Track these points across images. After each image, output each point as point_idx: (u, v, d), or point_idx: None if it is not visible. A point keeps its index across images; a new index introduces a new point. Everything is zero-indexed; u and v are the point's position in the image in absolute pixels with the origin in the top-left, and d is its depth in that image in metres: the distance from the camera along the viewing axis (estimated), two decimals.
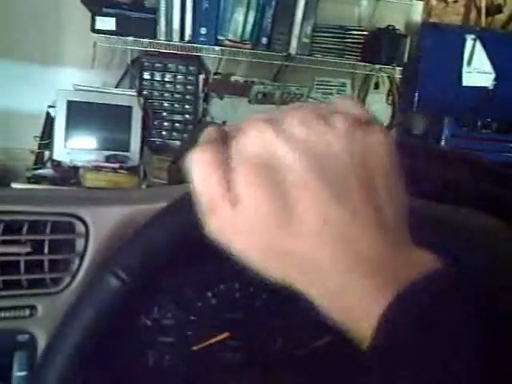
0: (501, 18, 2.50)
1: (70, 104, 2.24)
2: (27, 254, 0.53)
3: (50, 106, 2.27)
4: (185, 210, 0.36)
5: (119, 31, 2.12)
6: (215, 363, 0.70)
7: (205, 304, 0.71)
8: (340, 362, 0.71)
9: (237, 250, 0.33)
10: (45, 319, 0.53)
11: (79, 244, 0.55)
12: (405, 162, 0.36)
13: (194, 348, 0.70)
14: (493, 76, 2.42)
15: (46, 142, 2.31)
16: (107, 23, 2.10)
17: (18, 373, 0.52)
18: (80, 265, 0.54)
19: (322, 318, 0.68)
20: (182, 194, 0.38)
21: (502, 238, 0.60)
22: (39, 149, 2.32)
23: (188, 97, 2.38)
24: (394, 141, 0.34)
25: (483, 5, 2.47)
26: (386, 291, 0.29)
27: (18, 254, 0.54)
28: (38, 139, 2.30)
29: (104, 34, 2.12)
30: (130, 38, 2.15)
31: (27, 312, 0.54)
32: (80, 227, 0.55)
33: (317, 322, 0.72)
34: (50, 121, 2.29)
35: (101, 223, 0.54)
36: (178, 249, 0.36)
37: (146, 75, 2.35)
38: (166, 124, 2.40)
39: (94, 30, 2.11)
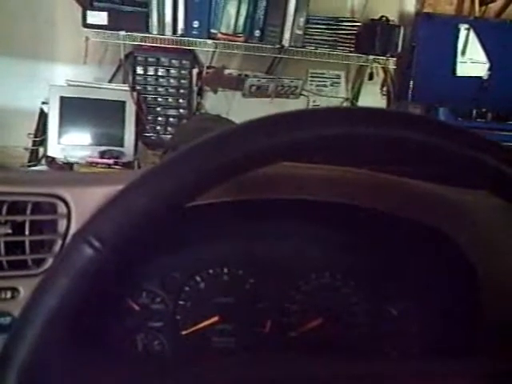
0: (494, 7, 2.49)
1: (63, 100, 2.23)
2: (7, 235, 0.53)
3: (43, 103, 2.26)
4: (166, 176, 0.36)
5: (111, 25, 2.11)
6: (204, 348, 0.70)
7: (193, 288, 0.70)
8: (331, 344, 0.70)
9: None
10: None
11: (61, 225, 0.54)
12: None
13: (183, 333, 0.70)
14: (487, 66, 2.41)
15: (40, 138, 2.30)
16: (99, 17, 2.08)
17: None
18: (62, 246, 0.54)
19: (310, 301, 0.67)
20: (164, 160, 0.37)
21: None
22: (33, 146, 2.31)
23: (182, 91, 2.37)
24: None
25: None
26: None
27: None
28: (31, 136, 2.29)
29: (96, 28, 2.11)
30: (122, 33, 2.13)
31: (9, 294, 0.53)
32: (62, 208, 0.54)
33: (306, 304, 0.71)
34: (43, 117, 2.28)
35: (82, 203, 0.53)
36: (156, 218, 0.35)
37: (140, 70, 2.34)
38: (160, 119, 2.39)
39: (85, 25, 2.10)
